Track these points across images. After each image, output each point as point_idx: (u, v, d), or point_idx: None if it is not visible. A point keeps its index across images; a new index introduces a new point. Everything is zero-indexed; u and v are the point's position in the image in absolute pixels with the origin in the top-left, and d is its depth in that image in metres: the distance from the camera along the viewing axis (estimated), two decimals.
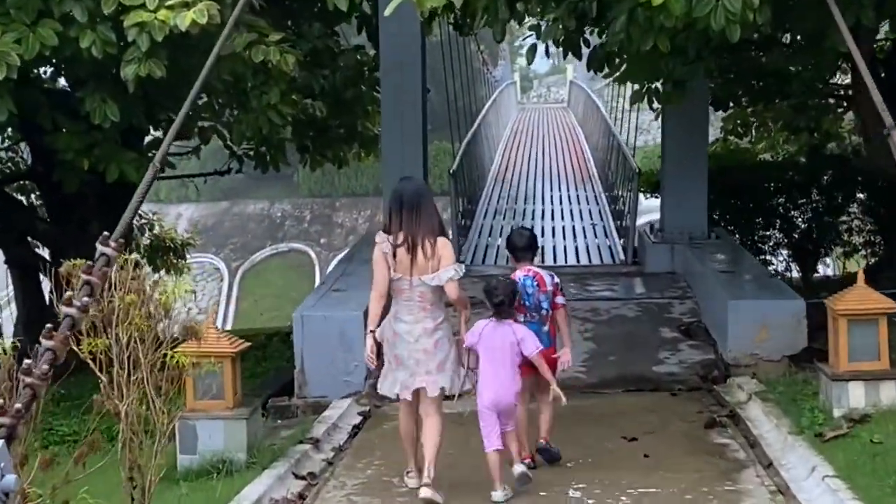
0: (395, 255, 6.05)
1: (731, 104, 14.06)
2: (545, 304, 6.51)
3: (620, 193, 16.46)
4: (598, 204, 18.18)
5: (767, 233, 15.36)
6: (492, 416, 6.02)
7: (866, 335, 6.09)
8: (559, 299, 6.60)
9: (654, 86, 9.20)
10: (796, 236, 15.28)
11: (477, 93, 29.45)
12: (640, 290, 11.27)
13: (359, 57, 12.91)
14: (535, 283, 6.49)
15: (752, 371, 8.55)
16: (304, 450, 6.94)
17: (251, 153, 13.71)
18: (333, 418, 7.85)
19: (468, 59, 26.48)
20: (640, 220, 14.53)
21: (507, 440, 6.09)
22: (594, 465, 6.42)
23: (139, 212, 20.22)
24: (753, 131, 18.26)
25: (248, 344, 6.97)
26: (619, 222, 15.88)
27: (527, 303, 6.43)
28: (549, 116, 41.67)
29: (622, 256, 13.34)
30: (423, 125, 12.14)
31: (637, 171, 12.66)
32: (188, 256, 21.50)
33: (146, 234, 19.49)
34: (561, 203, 19.00)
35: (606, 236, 15.27)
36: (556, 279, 6.69)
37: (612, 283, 11.53)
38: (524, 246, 6.71)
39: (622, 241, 14.30)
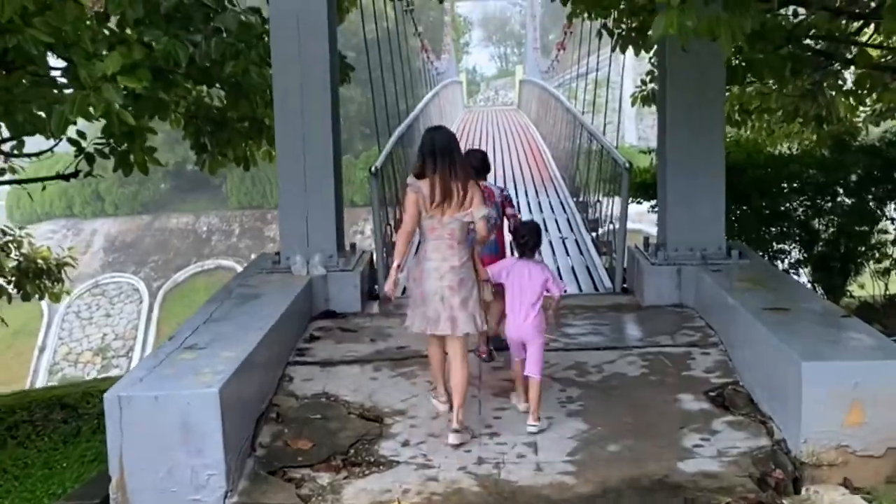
0: (427, 194, 6.41)
1: (747, 78, 11.12)
2: (493, 214, 7.31)
3: (596, 198, 13.43)
4: (565, 212, 15.15)
5: (783, 246, 12.49)
6: (519, 345, 6.66)
7: None
8: (510, 210, 7.67)
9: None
10: (820, 249, 12.42)
11: (417, 92, 26.41)
12: (640, 332, 8.21)
13: (243, 17, 9.69)
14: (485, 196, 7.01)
15: (843, 475, 5.55)
16: None
17: (108, 150, 10.57)
18: None
19: (406, 54, 23.48)
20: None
21: (529, 384, 6.59)
22: None
23: (1, 228, 16.93)
24: (752, 119, 15.46)
25: None
26: (594, 234, 12.89)
27: None
28: (500, 117, 38.77)
29: (607, 282, 10.26)
30: (332, 118, 9.01)
31: (627, 165, 9.60)
32: (91, 277, 18.39)
33: (13, 254, 16.22)
34: (519, 212, 15.98)
35: (581, 253, 12.22)
36: (506, 192, 7.84)
37: (598, 323, 8.45)
38: (479, 167, 7.46)
39: (604, 259, 11.28)
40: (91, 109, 7.78)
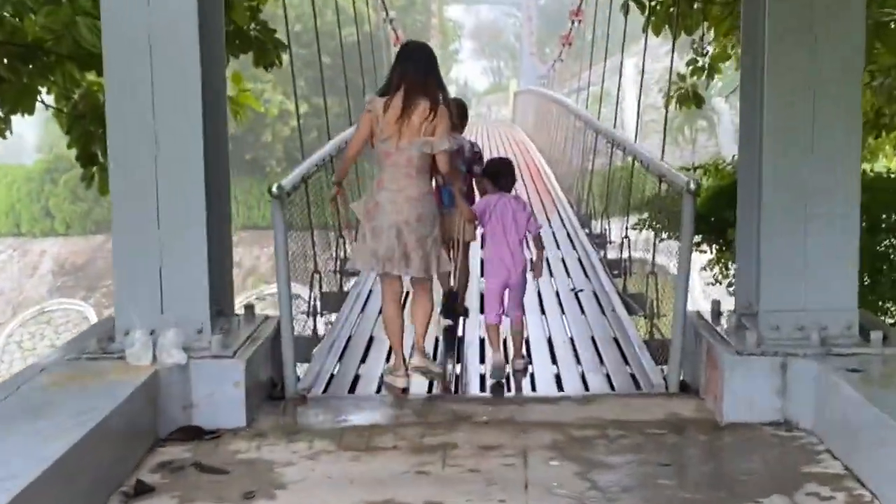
0: (385, 112, 6.01)
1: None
2: (463, 168, 7.17)
3: (623, 233, 9.96)
4: (574, 248, 11.66)
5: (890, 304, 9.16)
6: (498, 295, 6.62)
7: None
8: (477, 169, 7.26)
9: None
10: None
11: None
12: (730, 487, 4.70)
13: None
14: None
15: None
16: None
17: None
18: None
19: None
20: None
21: (514, 333, 6.79)
22: None
23: None
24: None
25: None
26: (621, 281, 9.45)
27: None
28: (492, 132, 35.35)
29: (652, 373, 6.72)
30: (208, 111, 5.66)
31: (692, 186, 6.06)
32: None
33: None
34: None
35: (604, 312, 8.72)
36: (478, 148, 7.63)
37: (651, 463, 4.94)
38: (458, 115, 6.85)
39: (641, 326, 7.86)
40: None
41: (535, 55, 45.76)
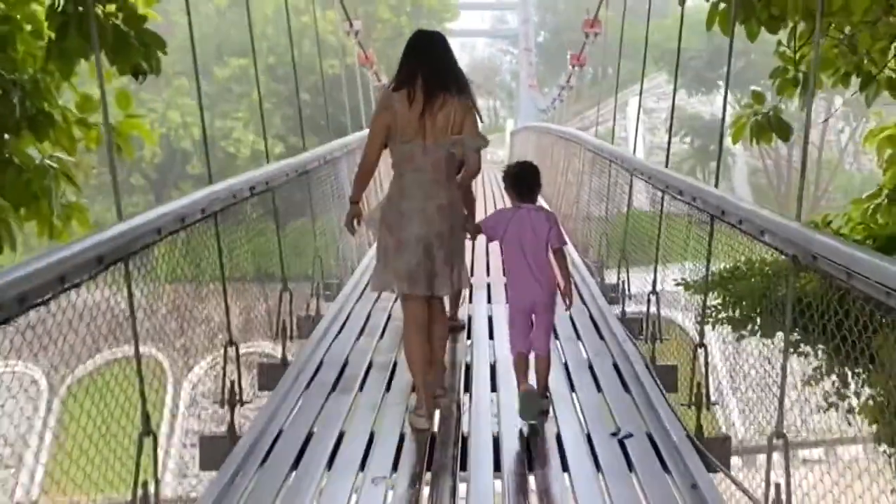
0: (406, 109, 5.65)
1: None
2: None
3: (696, 319, 6.45)
4: (606, 346, 8.09)
5: None
6: (526, 320, 5.97)
7: None
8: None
9: None
10: None
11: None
12: None
13: None
14: None
15: None
16: None
17: None
18: None
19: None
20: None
21: (539, 367, 6.01)
22: None
23: None
24: None
25: None
26: (693, 413, 5.98)
27: None
28: (488, 177, 32.03)
29: None
30: None
31: None
32: None
33: None
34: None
35: (669, 472, 5.23)
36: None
37: None
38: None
39: None
40: None
41: (534, 87, 42.52)
